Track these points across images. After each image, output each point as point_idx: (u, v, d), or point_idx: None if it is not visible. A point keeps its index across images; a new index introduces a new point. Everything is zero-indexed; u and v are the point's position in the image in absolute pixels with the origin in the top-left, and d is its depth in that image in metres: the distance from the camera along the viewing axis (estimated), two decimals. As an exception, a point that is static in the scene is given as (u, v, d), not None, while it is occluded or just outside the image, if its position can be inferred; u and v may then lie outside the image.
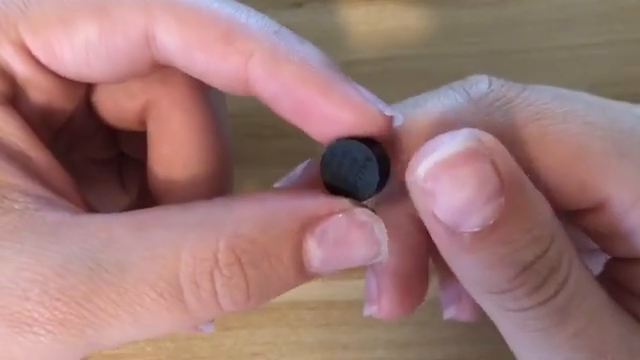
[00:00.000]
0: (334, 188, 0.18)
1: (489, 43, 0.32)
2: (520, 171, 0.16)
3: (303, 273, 0.17)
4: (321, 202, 0.17)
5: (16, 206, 0.16)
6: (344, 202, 0.17)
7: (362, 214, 0.17)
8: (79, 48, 0.18)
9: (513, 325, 0.18)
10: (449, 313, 0.23)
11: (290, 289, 0.17)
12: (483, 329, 0.29)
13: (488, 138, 0.16)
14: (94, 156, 0.24)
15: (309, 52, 0.17)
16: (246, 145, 0.31)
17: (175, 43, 0.17)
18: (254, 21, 0.17)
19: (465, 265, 0.17)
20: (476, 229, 0.16)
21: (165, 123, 0.20)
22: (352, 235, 0.17)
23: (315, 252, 0.16)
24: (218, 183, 0.21)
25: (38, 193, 0.17)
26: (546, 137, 0.17)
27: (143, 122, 0.21)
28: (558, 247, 0.16)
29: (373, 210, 0.17)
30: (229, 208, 0.17)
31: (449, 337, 0.29)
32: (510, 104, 0.18)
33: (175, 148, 0.20)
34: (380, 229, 0.17)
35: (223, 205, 0.17)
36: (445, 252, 0.17)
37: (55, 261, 0.16)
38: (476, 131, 0.16)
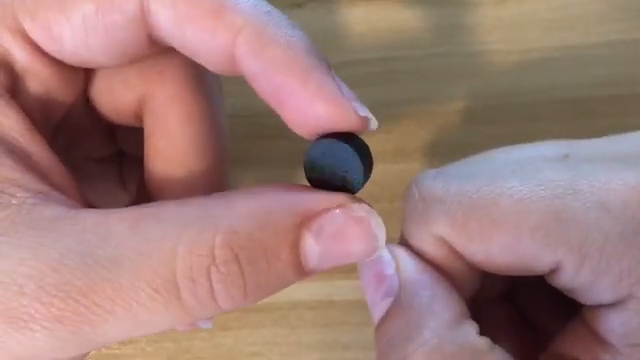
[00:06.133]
0: (321, 187, 0.18)
1: (489, 43, 0.32)
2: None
3: (301, 270, 0.17)
4: (318, 197, 0.17)
5: (14, 201, 0.16)
6: (341, 197, 0.17)
7: (359, 209, 0.17)
8: (77, 26, 0.18)
9: None
10: None
11: (288, 286, 0.17)
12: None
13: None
14: (94, 154, 0.24)
15: (297, 37, 0.17)
16: (246, 145, 0.31)
17: (167, 16, 0.17)
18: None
19: None
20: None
21: (161, 117, 0.20)
22: (349, 230, 0.17)
23: (313, 248, 0.16)
24: (215, 177, 0.21)
25: (36, 188, 0.17)
26: (483, 231, 0.18)
27: (140, 117, 0.21)
28: None
29: (370, 205, 0.17)
30: (226, 203, 0.17)
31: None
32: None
33: (171, 142, 0.20)
34: (377, 223, 0.17)
35: (220, 200, 0.17)
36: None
37: (51, 256, 0.15)
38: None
